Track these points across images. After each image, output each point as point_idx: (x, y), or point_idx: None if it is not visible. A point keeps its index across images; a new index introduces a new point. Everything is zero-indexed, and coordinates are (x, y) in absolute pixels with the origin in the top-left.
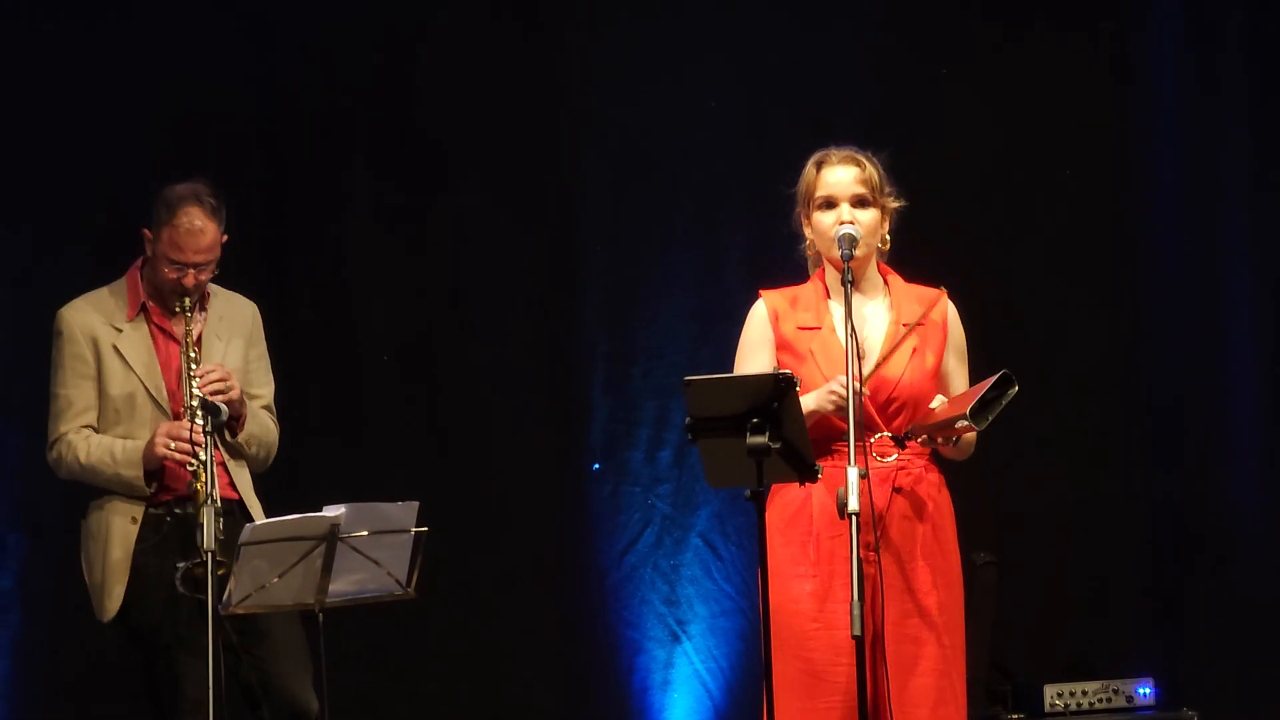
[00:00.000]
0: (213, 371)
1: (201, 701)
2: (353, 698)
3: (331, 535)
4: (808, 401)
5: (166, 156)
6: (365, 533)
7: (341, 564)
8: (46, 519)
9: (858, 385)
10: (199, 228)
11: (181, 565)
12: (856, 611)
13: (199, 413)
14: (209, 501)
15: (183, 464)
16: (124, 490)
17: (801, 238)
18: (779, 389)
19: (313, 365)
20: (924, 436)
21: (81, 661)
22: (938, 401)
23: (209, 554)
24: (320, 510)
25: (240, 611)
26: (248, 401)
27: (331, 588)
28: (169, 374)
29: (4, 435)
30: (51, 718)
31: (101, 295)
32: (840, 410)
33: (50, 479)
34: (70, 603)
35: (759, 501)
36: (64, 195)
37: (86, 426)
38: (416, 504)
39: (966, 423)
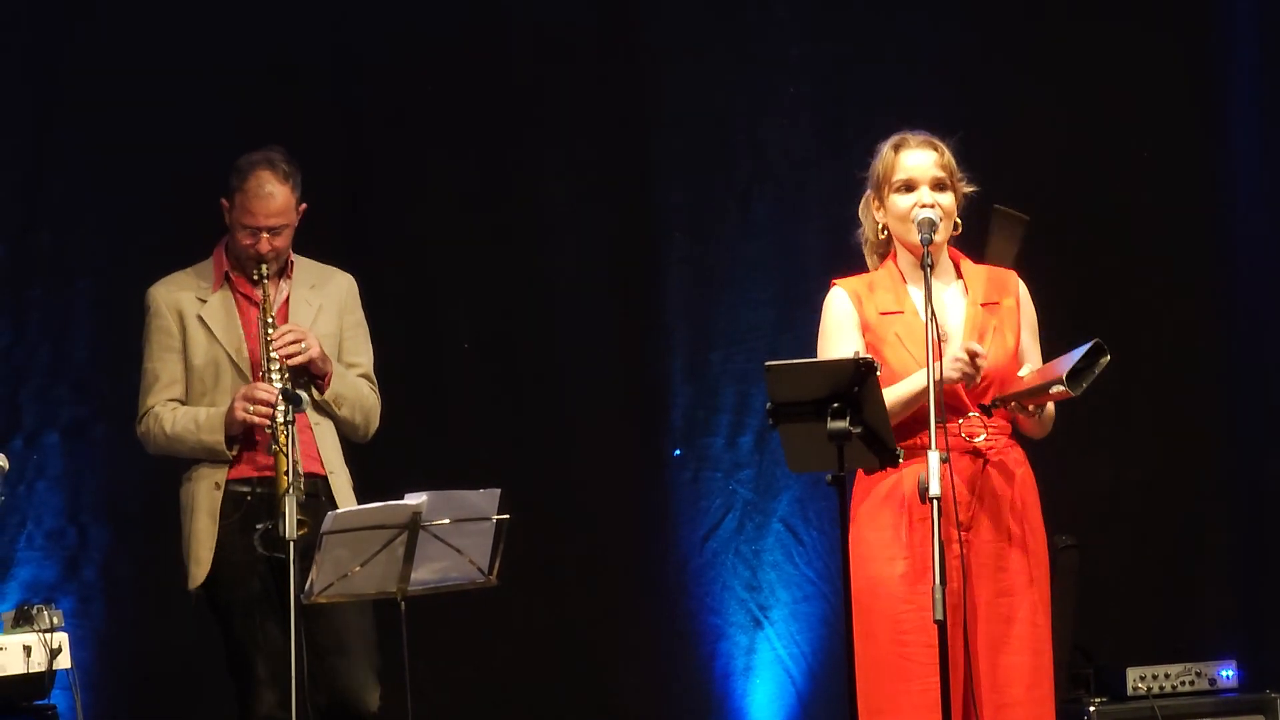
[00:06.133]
0: (288, 332)
1: (275, 681)
2: (435, 685)
3: (414, 523)
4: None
5: (251, 145)
6: (447, 520)
7: (424, 552)
8: (130, 510)
9: (937, 374)
10: (269, 192)
11: (261, 526)
12: (939, 595)
13: (275, 375)
14: (291, 490)
15: (262, 426)
16: (208, 457)
17: (858, 223)
18: (860, 373)
19: (394, 353)
20: (1013, 404)
21: (164, 652)
22: (1025, 369)
23: (291, 544)
24: (402, 498)
25: (322, 600)
26: (344, 371)
27: (414, 576)
28: (251, 339)
29: (87, 427)
30: (134, 708)
31: (188, 272)
32: (968, 379)
33: (134, 470)
34: (153, 593)
35: (840, 486)
36: (146, 187)
37: (173, 399)
38: (498, 491)
39: (1062, 388)
